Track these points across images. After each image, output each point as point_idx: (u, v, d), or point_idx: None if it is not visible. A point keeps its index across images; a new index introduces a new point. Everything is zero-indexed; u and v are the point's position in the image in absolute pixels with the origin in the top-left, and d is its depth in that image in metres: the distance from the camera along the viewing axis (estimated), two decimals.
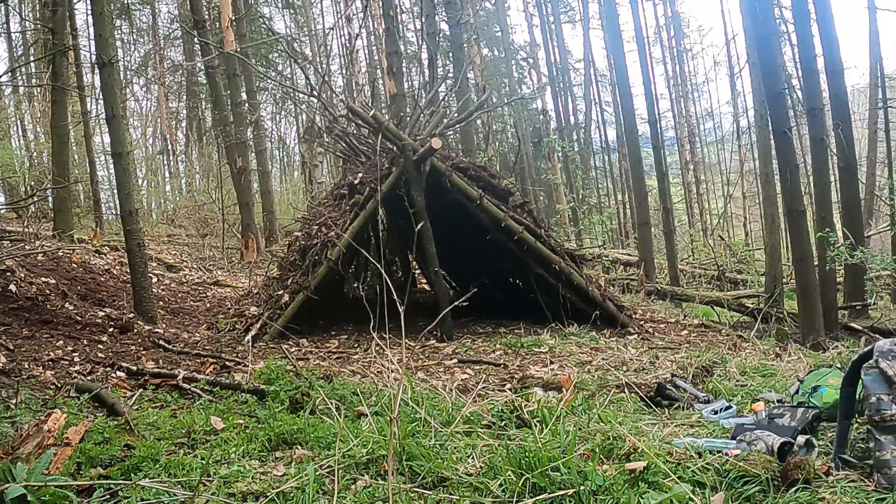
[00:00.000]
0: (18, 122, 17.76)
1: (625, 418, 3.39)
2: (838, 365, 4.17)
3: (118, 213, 8.97)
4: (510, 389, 4.36)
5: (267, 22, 22.28)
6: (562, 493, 2.25)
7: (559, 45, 24.22)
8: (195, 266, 11.32)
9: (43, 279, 6.58)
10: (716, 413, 3.42)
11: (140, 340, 5.52)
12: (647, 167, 15.76)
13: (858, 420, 2.74)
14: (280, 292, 6.53)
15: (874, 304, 8.19)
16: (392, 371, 4.57)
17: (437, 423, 2.96)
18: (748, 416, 3.35)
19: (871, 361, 2.46)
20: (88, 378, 4.22)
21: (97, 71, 9.27)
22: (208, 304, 8.21)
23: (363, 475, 2.58)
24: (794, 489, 2.27)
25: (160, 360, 4.91)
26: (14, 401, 3.48)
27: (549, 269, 7.01)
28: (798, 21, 7.72)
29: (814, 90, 7.50)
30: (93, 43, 8.58)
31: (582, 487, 2.25)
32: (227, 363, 4.97)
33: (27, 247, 8.13)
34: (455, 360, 5.44)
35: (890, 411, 2.35)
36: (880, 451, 2.31)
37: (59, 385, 3.95)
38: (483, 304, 8.14)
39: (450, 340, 6.39)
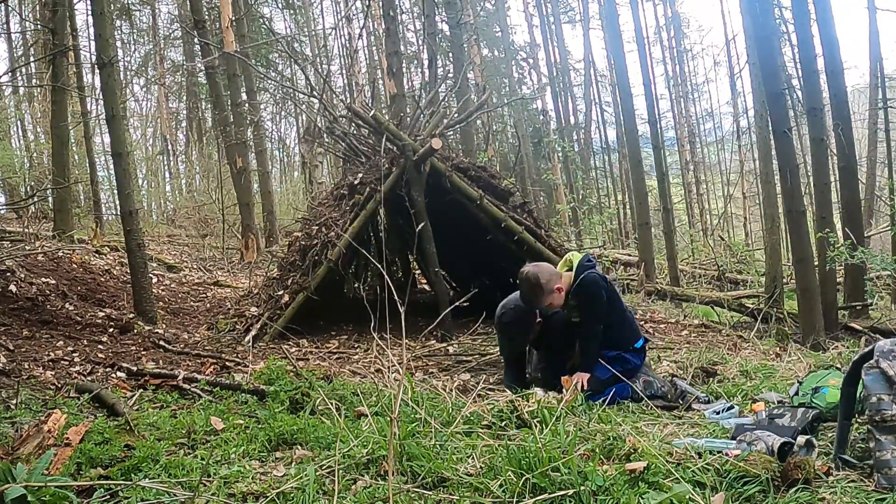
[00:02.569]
0: (18, 122, 17.79)
1: (625, 418, 3.40)
2: (838, 365, 4.17)
3: (118, 213, 8.96)
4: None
5: (267, 22, 22.27)
6: (562, 493, 2.25)
7: (559, 46, 24.25)
8: (195, 266, 11.32)
9: (43, 279, 6.58)
10: (717, 413, 3.42)
11: (140, 341, 5.52)
12: (647, 167, 15.74)
13: (859, 420, 2.74)
14: (280, 292, 6.53)
15: (874, 304, 8.17)
16: (392, 371, 4.57)
17: (437, 424, 2.96)
18: (748, 416, 3.35)
19: (871, 361, 2.47)
20: (88, 378, 4.22)
21: (97, 71, 9.26)
22: (208, 305, 8.21)
23: (363, 475, 2.58)
24: (794, 489, 2.27)
25: (160, 361, 4.91)
26: (14, 401, 3.48)
27: None
28: (798, 21, 7.71)
29: (814, 90, 7.49)
30: (93, 43, 8.57)
31: (582, 488, 2.25)
32: (227, 363, 4.97)
33: (27, 247, 8.13)
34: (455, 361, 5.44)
35: (890, 411, 2.35)
36: (880, 451, 2.31)
37: (59, 385, 3.95)
38: (483, 304, 8.13)
39: (450, 340, 6.38)
